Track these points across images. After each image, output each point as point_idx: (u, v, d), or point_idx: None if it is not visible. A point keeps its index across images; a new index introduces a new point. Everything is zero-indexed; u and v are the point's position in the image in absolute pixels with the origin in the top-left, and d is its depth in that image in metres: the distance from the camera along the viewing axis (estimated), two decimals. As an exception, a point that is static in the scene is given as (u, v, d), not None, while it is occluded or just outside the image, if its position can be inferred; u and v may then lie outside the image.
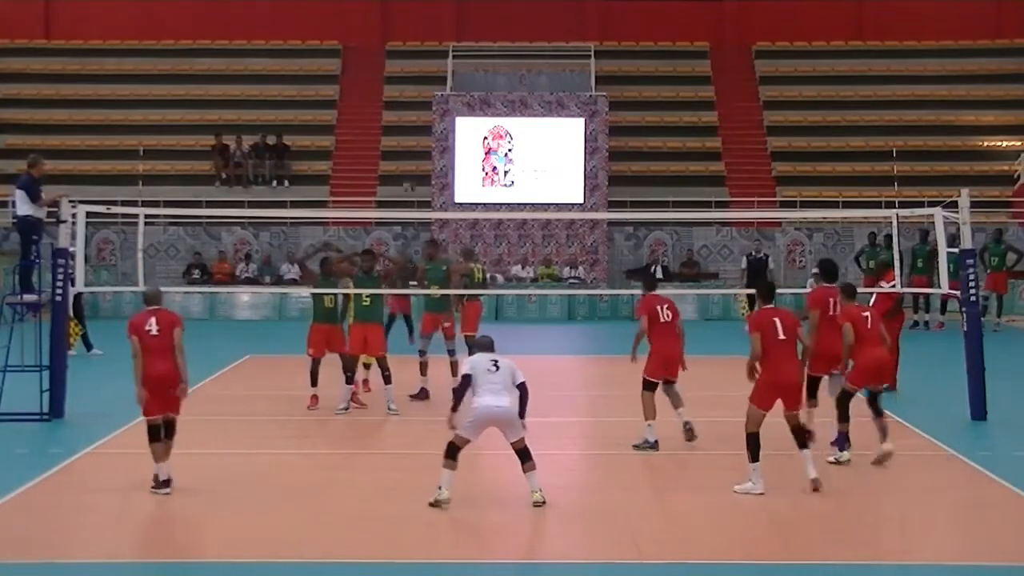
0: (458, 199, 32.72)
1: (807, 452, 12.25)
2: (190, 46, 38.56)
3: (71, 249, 16.76)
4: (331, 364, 16.95)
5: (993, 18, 39.06)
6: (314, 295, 17.07)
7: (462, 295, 18.49)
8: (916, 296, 27.30)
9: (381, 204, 33.79)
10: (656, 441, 14.15)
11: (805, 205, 32.74)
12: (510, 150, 33.11)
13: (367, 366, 17.66)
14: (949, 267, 17.82)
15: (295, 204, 33.09)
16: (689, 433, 14.33)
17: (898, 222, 18.15)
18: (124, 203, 26.48)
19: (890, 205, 31.04)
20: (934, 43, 38.38)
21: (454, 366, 17.38)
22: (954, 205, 16.40)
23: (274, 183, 34.83)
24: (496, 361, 11.69)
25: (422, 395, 17.54)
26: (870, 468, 13.22)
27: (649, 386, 14.20)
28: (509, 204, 32.57)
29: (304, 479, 12.85)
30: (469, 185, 32.88)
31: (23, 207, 17.35)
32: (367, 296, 16.60)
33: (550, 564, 10.33)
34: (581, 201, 32.83)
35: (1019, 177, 34.48)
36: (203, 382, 18.34)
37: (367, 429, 16.11)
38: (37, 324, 16.36)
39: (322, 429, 15.94)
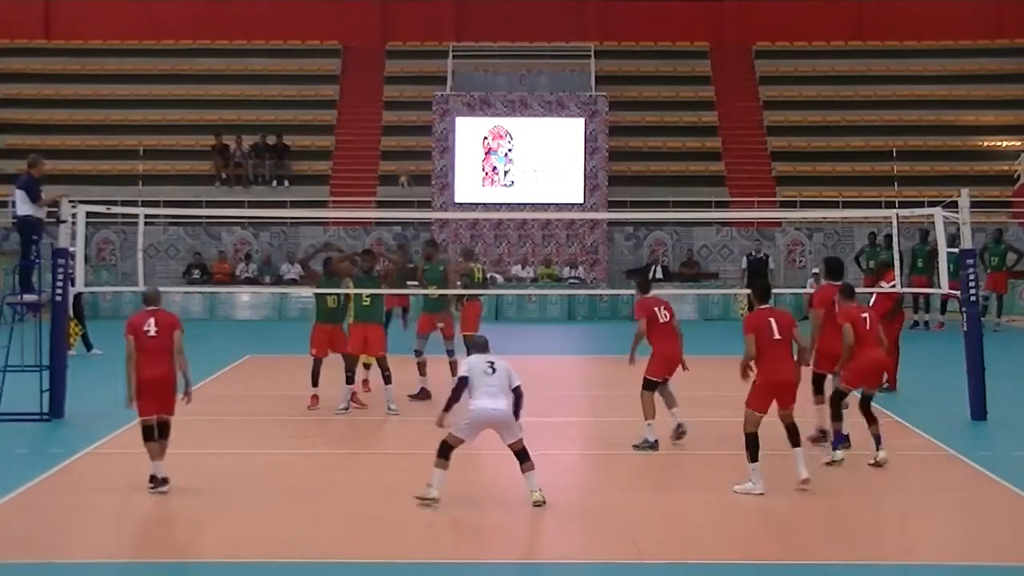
0: (458, 199, 32.72)
1: (799, 451, 12.27)
2: (190, 46, 38.57)
3: (71, 249, 16.76)
4: (332, 364, 16.95)
5: (993, 18, 39.06)
6: (317, 295, 17.08)
7: (461, 295, 18.50)
8: (916, 296, 27.30)
9: (381, 204, 33.79)
10: (656, 441, 14.15)
11: (805, 205, 32.74)
12: (510, 150, 33.11)
13: (367, 366, 17.66)
14: (949, 267, 17.82)
15: (295, 204, 33.09)
16: (678, 432, 14.37)
17: (898, 222, 18.14)
18: (124, 203, 26.48)
19: (890, 205, 31.04)
20: (934, 43, 38.39)
21: (453, 366, 17.37)
22: (954, 205, 16.40)
23: (274, 183, 34.84)
24: (493, 363, 11.69)
25: (422, 395, 17.54)
26: (870, 468, 13.21)
27: (650, 386, 14.21)
28: (509, 204, 32.57)
29: (304, 479, 12.85)
30: (469, 185, 32.88)
31: (23, 207, 17.35)
32: (367, 296, 16.61)
33: (550, 564, 10.33)
34: (581, 201, 32.83)
35: (1019, 177, 34.48)
36: (203, 382, 18.32)
37: (367, 429, 16.11)
38: (37, 324, 16.35)
39: (322, 429, 15.94)
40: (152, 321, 12.25)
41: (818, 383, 14.02)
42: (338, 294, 16.81)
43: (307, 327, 17.34)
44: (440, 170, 33.01)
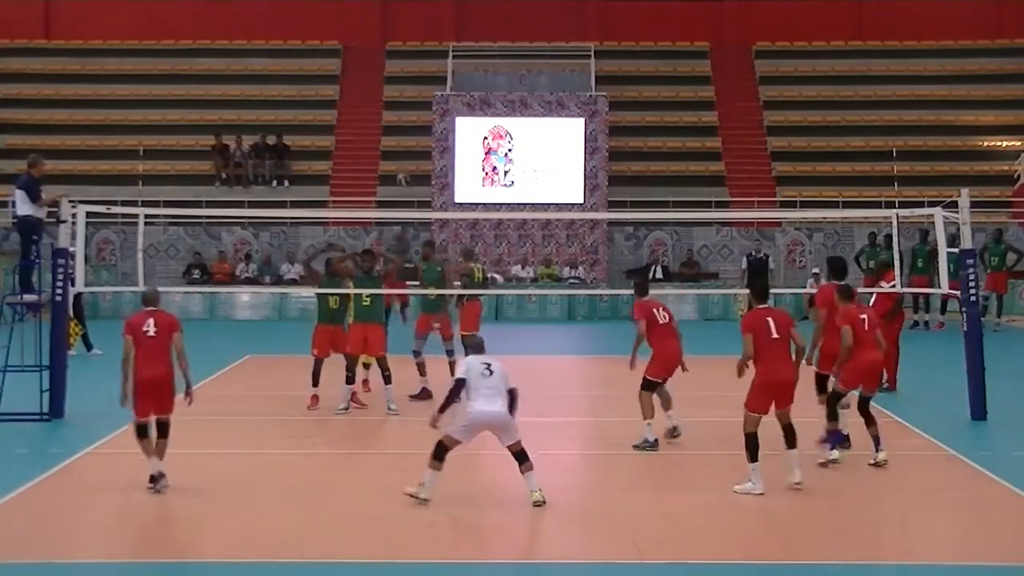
0: (458, 199, 32.72)
1: (794, 452, 12.27)
2: (190, 46, 38.57)
3: (71, 249, 16.76)
4: (332, 364, 16.96)
5: (993, 18, 39.06)
6: (319, 296, 17.08)
7: (462, 295, 18.51)
8: (916, 296, 27.30)
9: (381, 204, 33.79)
10: (656, 440, 14.16)
11: (805, 205, 32.73)
12: (510, 150, 33.11)
13: (367, 366, 17.66)
14: (949, 267, 17.81)
15: (295, 204, 33.09)
16: (672, 433, 14.40)
17: (898, 222, 18.15)
18: (124, 203, 26.49)
19: (890, 205, 31.04)
20: (934, 43, 38.39)
21: (452, 366, 17.35)
22: (954, 205, 16.40)
23: (274, 183, 34.84)
24: (489, 365, 11.69)
25: (423, 395, 17.53)
26: (870, 468, 13.21)
27: (650, 386, 14.22)
28: (509, 204, 32.57)
29: (304, 479, 12.85)
30: (469, 185, 32.88)
31: (23, 207, 17.34)
32: (367, 296, 16.61)
33: (550, 564, 10.33)
34: (581, 201, 32.83)
35: (1019, 177, 34.48)
36: (203, 382, 18.32)
37: (367, 429, 16.11)
38: (37, 324, 16.36)
39: (322, 429, 15.94)
40: (151, 321, 12.27)
41: (821, 384, 14.01)
42: (339, 294, 16.81)
43: (307, 327, 17.33)
44: (440, 170, 33.01)
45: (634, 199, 32.62)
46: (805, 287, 29.10)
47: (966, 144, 36.18)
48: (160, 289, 13.33)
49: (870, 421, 13.32)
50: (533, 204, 32.58)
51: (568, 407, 18.00)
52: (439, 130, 33.07)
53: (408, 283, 19.97)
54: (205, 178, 34.96)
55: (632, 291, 15.19)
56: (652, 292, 15.14)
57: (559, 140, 33.03)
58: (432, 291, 17.99)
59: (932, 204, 19.63)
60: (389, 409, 16.50)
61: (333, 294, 16.83)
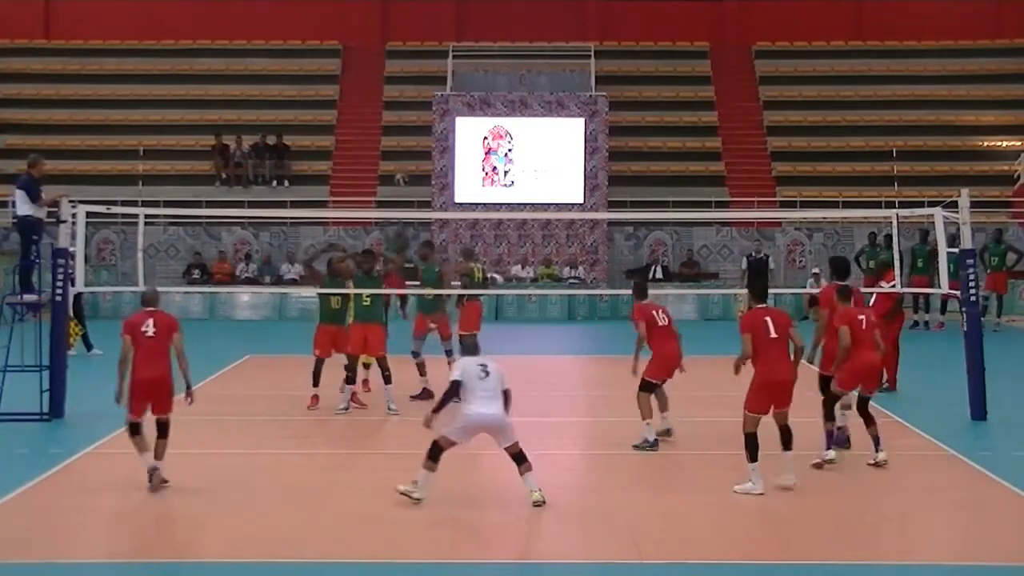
0: (458, 199, 32.72)
1: (789, 455, 12.26)
2: (190, 46, 38.57)
3: (71, 249, 16.76)
4: (332, 364, 16.96)
5: (993, 18, 39.07)
6: (321, 296, 17.09)
7: (461, 295, 18.51)
8: (916, 296, 27.30)
9: (381, 204, 33.80)
10: (656, 440, 14.17)
11: (805, 205, 32.74)
12: (510, 150, 33.11)
13: (367, 366, 17.66)
14: (949, 267, 17.81)
15: (295, 204, 33.10)
16: (665, 434, 14.41)
17: (898, 222, 18.15)
18: (124, 203, 26.50)
19: (890, 205, 31.04)
20: (934, 43, 38.39)
21: (452, 366, 17.34)
22: (954, 205, 16.40)
23: (274, 183, 34.84)
24: (486, 366, 11.68)
25: (424, 395, 17.51)
26: (870, 468, 13.21)
27: (649, 387, 14.22)
28: (509, 204, 32.57)
29: (304, 479, 12.85)
30: (469, 185, 32.89)
31: (23, 207, 17.35)
32: (367, 296, 16.62)
33: (550, 564, 10.32)
34: (581, 201, 32.83)
35: (1019, 177, 34.48)
36: (203, 382, 18.32)
37: (367, 429, 16.11)
38: (37, 324, 16.35)
39: (322, 429, 15.94)
40: (150, 322, 12.29)
41: (825, 385, 13.95)
42: (340, 294, 16.81)
43: (307, 327, 17.33)
44: (440, 170, 33.01)
45: (634, 199, 32.63)
46: (805, 287, 29.12)
47: (966, 144, 36.18)
48: (160, 289, 13.34)
49: (870, 421, 13.31)
50: (533, 204, 32.59)
51: (568, 407, 18.00)
52: (439, 130, 33.07)
53: (408, 283, 19.97)
54: (205, 178, 34.96)
55: (632, 292, 15.20)
56: (652, 292, 15.16)
57: (559, 140, 33.03)
58: (429, 291, 17.99)
59: (932, 204, 19.63)
60: (389, 409, 16.50)
61: (334, 294, 16.84)
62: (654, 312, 14.41)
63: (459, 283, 19.07)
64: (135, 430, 12.20)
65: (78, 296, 20.25)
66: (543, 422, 15.88)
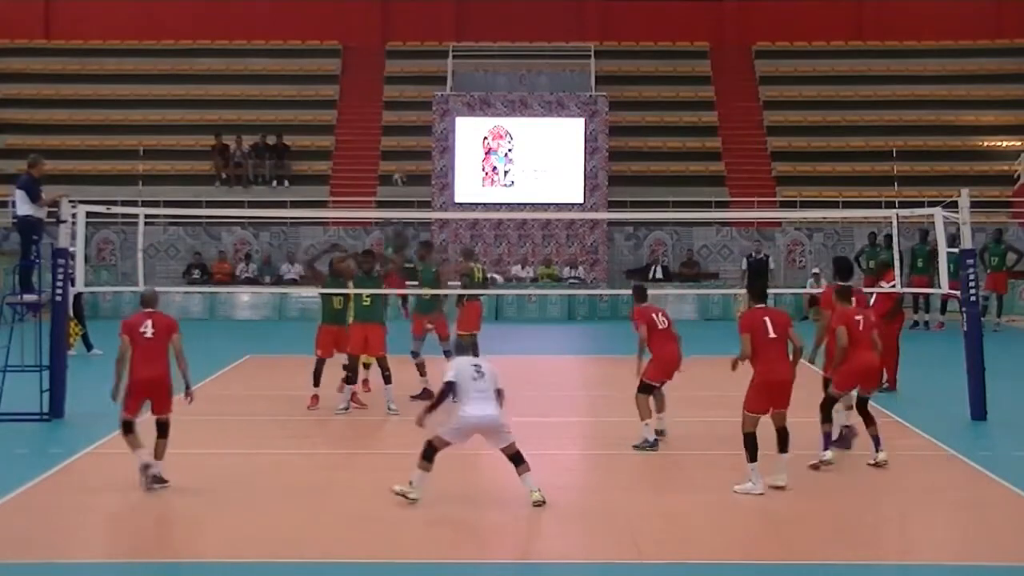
0: (458, 199, 32.72)
1: (784, 457, 12.26)
2: (190, 46, 38.57)
3: (71, 249, 16.76)
4: (333, 364, 16.96)
5: (993, 18, 39.07)
6: (323, 296, 17.09)
7: (461, 295, 18.51)
8: (916, 296, 27.30)
9: (381, 204, 33.80)
10: (656, 440, 14.17)
11: (805, 205, 32.74)
12: (510, 150, 33.11)
13: (367, 366, 17.66)
14: (949, 267, 17.81)
15: (295, 204, 33.10)
16: (659, 434, 14.43)
17: (898, 222, 18.15)
18: (124, 203, 26.48)
19: (890, 205, 31.04)
20: (934, 43, 38.39)
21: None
22: (954, 205, 16.40)
23: (274, 183, 34.84)
24: (480, 367, 11.68)
25: (425, 396, 17.49)
26: (870, 468, 13.20)
27: (648, 389, 14.22)
28: (509, 204, 32.57)
29: (304, 479, 12.85)
30: (469, 185, 32.88)
31: (23, 207, 17.35)
32: (367, 296, 16.62)
33: (550, 564, 10.32)
34: (581, 201, 32.83)
35: (1019, 177, 34.48)
36: (203, 382, 18.32)
37: (367, 429, 16.11)
38: (37, 324, 16.36)
39: (322, 429, 15.94)
40: (149, 323, 12.30)
41: (829, 385, 13.94)
42: (342, 294, 16.81)
43: (307, 327, 17.34)
44: (440, 170, 33.00)
45: (634, 199, 32.62)
46: (805, 287, 29.13)
47: (966, 144, 36.18)
48: (160, 289, 13.37)
49: (869, 421, 13.31)
50: (533, 204, 32.59)
51: (568, 407, 18.00)
52: (439, 130, 33.07)
53: (408, 283, 19.97)
54: (205, 178, 34.96)
55: (631, 294, 15.21)
56: (652, 292, 15.18)
57: (559, 140, 33.03)
58: (427, 291, 17.99)
59: (932, 204, 19.63)
60: (389, 409, 16.50)
61: (335, 294, 16.84)
62: (654, 315, 14.42)
63: (459, 283, 19.05)
64: (128, 428, 12.23)
65: (78, 296, 20.25)
66: (543, 422, 15.89)
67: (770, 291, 13.69)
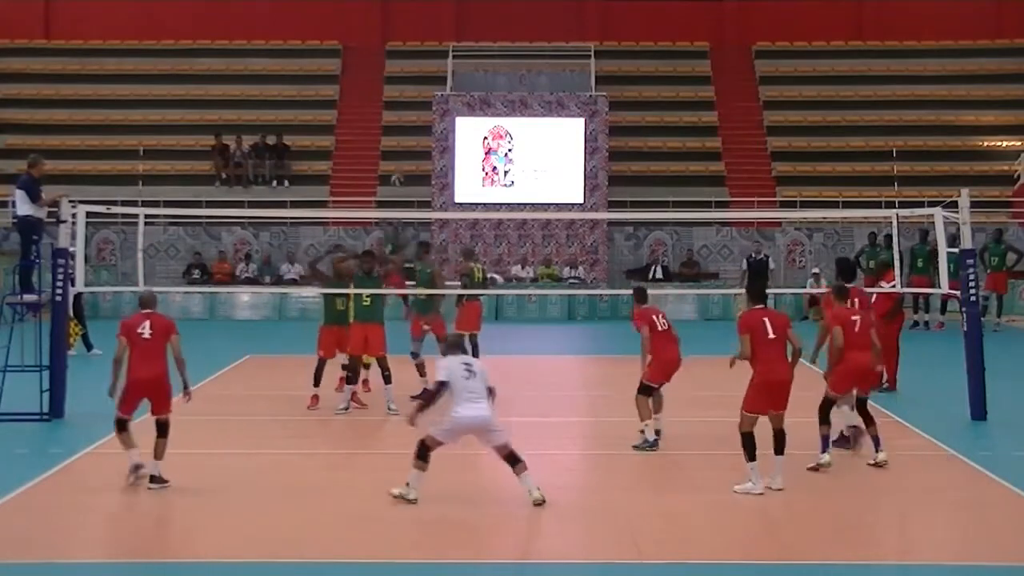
0: (458, 199, 32.71)
1: (780, 458, 12.25)
2: (190, 46, 38.56)
3: (71, 249, 16.76)
4: (333, 364, 16.97)
5: (993, 18, 39.05)
6: (325, 297, 17.09)
7: (461, 295, 18.52)
8: (916, 296, 27.30)
9: (381, 204, 33.79)
10: (656, 440, 14.17)
11: (805, 205, 32.73)
12: (510, 150, 33.11)
13: (367, 366, 17.66)
14: (949, 267, 17.80)
15: (295, 204, 33.09)
16: (656, 435, 14.45)
17: (898, 222, 18.15)
18: (124, 203, 26.48)
19: (890, 205, 31.03)
20: (934, 43, 38.38)
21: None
22: (954, 205, 16.40)
23: (274, 183, 34.84)
24: (470, 366, 11.69)
25: (424, 396, 17.51)
26: (870, 468, 13.20)
27: (647, 390, 14.21)
28: (509, 204, 32.56)
29: (304, 479, 12.85)
30: (469, 185, 32.88)
31: (23, 207, 17.35)
32: (367, 296, 16.62)
33: (550, 564, 10.32)
34: (581, 201, 32.82)
35: (1019, 177, 34.48)
36: (203, 382, 18.34)
37: (367, 429, 16.11)
38: (37, 324, 16.36)
39: (322, 429, 15.94)
40: (147, 324, 12.31)
41: None
42: (345, 295, 16.81)
43: (307, 327, 17.36)
44: (440, 170, 33.00)
45: (634, 199, 32.62)
46: (805, 287, 29.13)
47: (966, 144, 36.17)
48: (160, 289, 13.39)
49: (869, 421, 13.30)
50: (533, 204, 32.58)
51: (568, 407, 18.00)
52: (439, 130, 33.06)
53: (409, 282, 19.98)
54: (205, 178, 34.96)
55: (632, 295, 15.22)
56: (652, 292, 15.18)
57: (559, 140, 33.02)
58: (424, 291, 18.00)
59: (932, 204, 19.63)
60: (389, 409, 16.50)
61: (336, 294, 16.84)
62: (654, 317, 14.42)
63: (460, 283, 19.04)
64: (122, 427, 12.26)
65: (78, 296, 20.25)
66: (543, 422, 15.89)
67: (770, 291, 13.70)
